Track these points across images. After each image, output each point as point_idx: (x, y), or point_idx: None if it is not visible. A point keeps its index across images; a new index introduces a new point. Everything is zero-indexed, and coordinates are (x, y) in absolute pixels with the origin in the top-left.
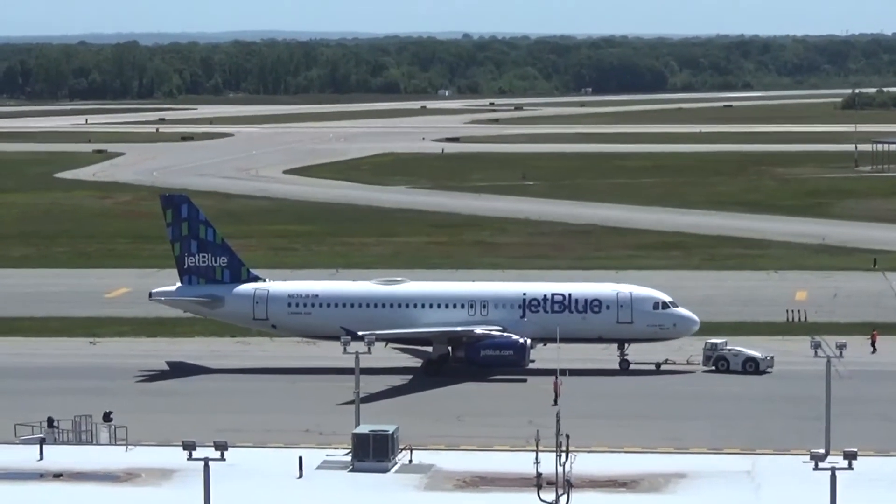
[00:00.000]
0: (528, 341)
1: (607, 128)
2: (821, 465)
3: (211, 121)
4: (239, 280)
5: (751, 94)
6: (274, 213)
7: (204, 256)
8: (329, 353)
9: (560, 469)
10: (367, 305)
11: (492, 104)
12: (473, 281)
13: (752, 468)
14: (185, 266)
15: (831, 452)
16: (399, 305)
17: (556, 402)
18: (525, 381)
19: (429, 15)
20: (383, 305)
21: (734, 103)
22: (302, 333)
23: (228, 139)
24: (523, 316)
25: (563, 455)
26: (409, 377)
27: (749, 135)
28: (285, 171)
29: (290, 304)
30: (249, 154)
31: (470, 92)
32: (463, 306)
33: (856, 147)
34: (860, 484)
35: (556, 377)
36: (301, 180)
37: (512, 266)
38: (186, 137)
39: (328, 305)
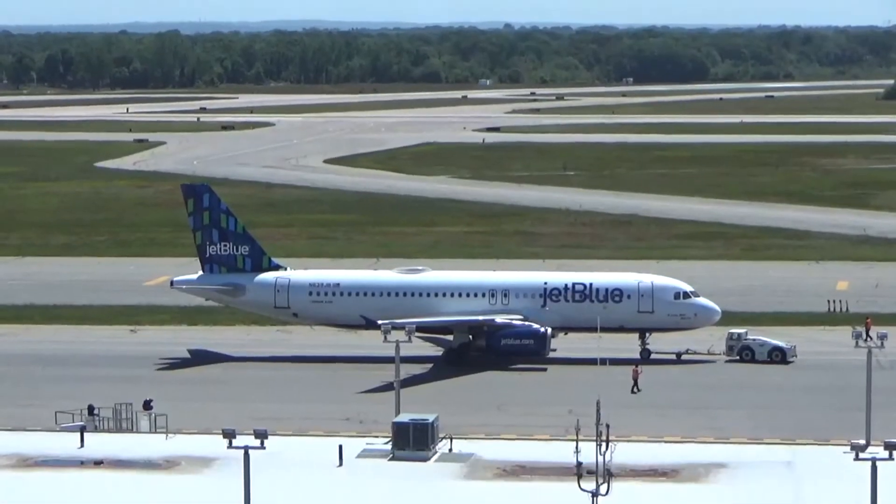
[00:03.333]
0: (549, 331)
1: (648, 118)
2: (861, 455)
3: (252, 110)
4: (260, 269)
5: (792, 85)
6: (314, 202)
7: (225, 245)
8: (343, 340)
9: (600, 458)
10: (388, 294)
11: (533, 94)
12: (499, 270)
13: (792, 458)
14: (207, 255)
15: (872, 443)
16: (420, 294)
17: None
18: (545, 370)
19: (470, 5)
20: (404, 294)
21: (776, 94)
22: (323, 322)
23: (269, 128)
24: (544, 305)
25: (604, 444)
26: (430, 366)
27: (790, 126)
28: (326, 161)
29: (311, 293)
30: (290, 143)
31: (511, 82)
32: (484, 295)
33: None
34: None
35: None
36: (342, 170)
37: (552, 256)
38: (227, 127)
39: (349, 294)
